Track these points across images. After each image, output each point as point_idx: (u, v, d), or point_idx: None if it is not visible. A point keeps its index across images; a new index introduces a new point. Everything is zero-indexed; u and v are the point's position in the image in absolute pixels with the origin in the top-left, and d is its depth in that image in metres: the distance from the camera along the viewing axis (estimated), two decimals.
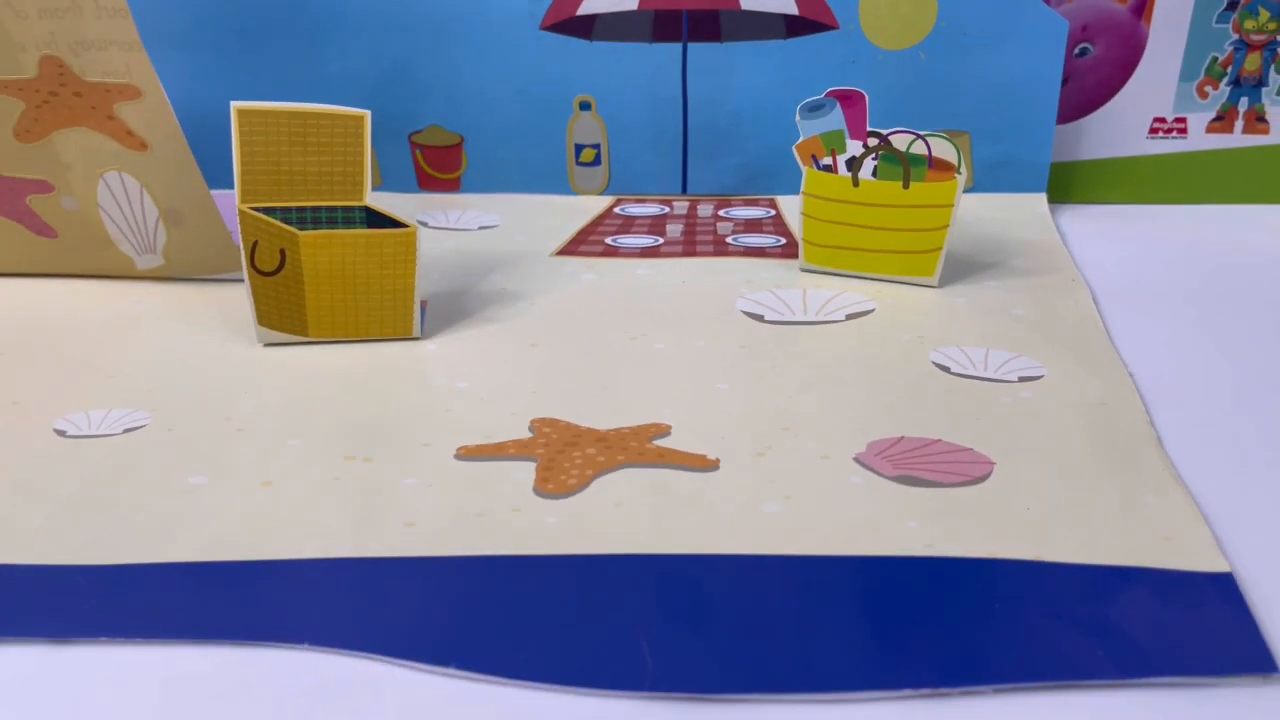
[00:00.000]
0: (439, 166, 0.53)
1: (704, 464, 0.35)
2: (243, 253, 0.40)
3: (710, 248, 0.47)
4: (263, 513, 0.33)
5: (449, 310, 0.43)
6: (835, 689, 0.27)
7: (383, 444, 0.36)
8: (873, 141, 0.42)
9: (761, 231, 0.49)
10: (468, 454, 0.36)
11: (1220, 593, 0.29)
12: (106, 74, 0.40)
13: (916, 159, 0.42)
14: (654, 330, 0.42)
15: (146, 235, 0.44)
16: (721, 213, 0.50)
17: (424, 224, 0.51)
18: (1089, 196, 0.52)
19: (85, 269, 0.46)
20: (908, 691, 0.26)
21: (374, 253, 0.40)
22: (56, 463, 0.36)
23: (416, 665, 0.28)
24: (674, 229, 0.49)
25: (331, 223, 0.41)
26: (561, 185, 0.52)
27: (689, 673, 0.27)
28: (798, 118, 0.43)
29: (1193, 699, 0.26)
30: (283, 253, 0.40)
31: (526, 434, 0.37)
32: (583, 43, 0.49)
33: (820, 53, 0.49)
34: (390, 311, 0.41)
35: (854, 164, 0.43)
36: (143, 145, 0.42)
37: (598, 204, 0.52)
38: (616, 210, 0.51)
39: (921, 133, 0.41)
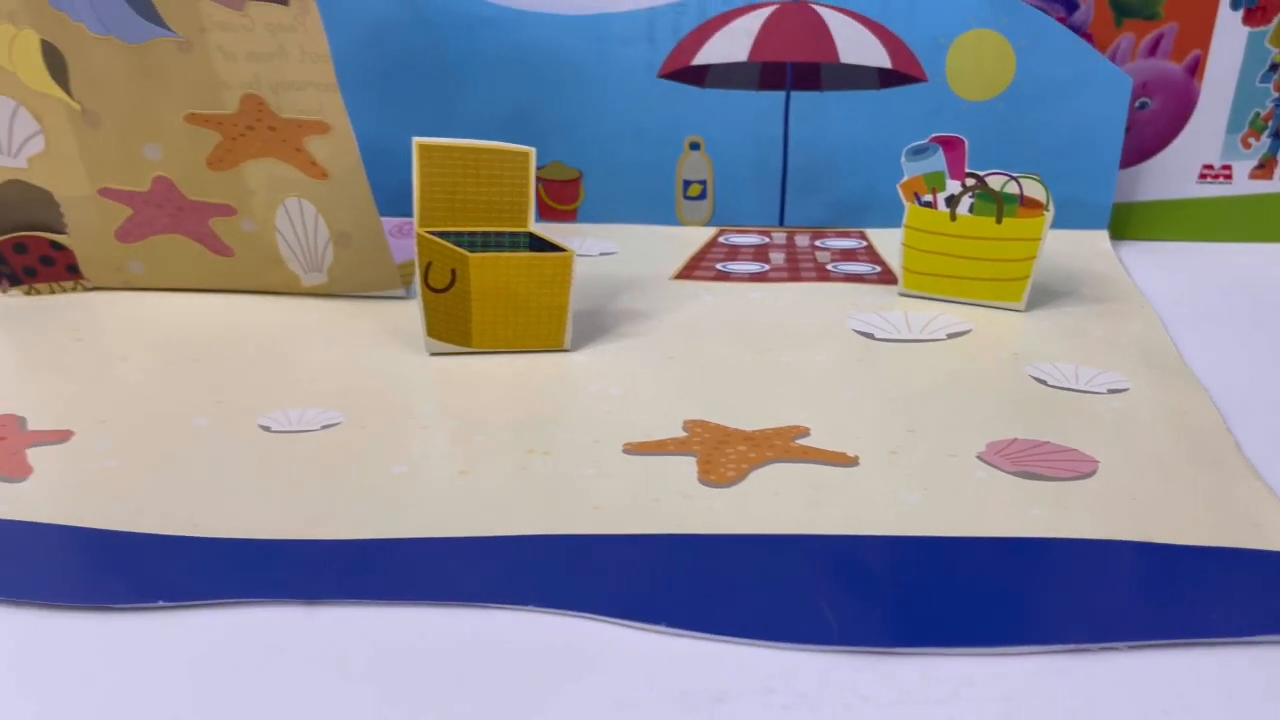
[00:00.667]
0: (558, 199, 0.58)
1: (845, 460, 0.40)
2: (417, 272, 0.45)
3: (813, 274, 0.52)
4: (465, 496, 0.38)
5: (589, 326, 0.48)
6: (994, 644, 0.31)
7: (557, 440, 0.41)
8: (970, 181, 0.48)
9: (857, 260, 0.54)
10: (634, 449, 0.41)
11: None
12: (301, 111, 0.45)
13: (1009, 197, 0.47)
14: (777, 345, 0.47)
15: (315, 255, 0.49)
16: (817, 243, 0.56)
17: None
18: (1144, 234, 0.57)
19: (253, 285, 0.50)
20: (1055, 646, 0.31)
21: (535, 273, 0.45)
22: (270, 453, 0.40)
23: (629, 624, 0.32)
24: (777, 257, 0.54)
25: (499, 246, 0.46)
26: (669, 217, 0.57)
27: (867, 629, 0.32)
28: (903, 159, 0.48)
29: None
30: (453, 272, 0.45)
31: (681, 433, 0.41)
32: (696, 89, 0.55)
33: (909, 102, 0.54)
34: (545, 326, 0.46)
35: (952, 201, 0.48)
36: (324, 174, 0.46)
37: (703, 234, 0.57)
38: (721, 240, 0.56)
39: (1015, 174, 0.47)
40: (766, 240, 0.56)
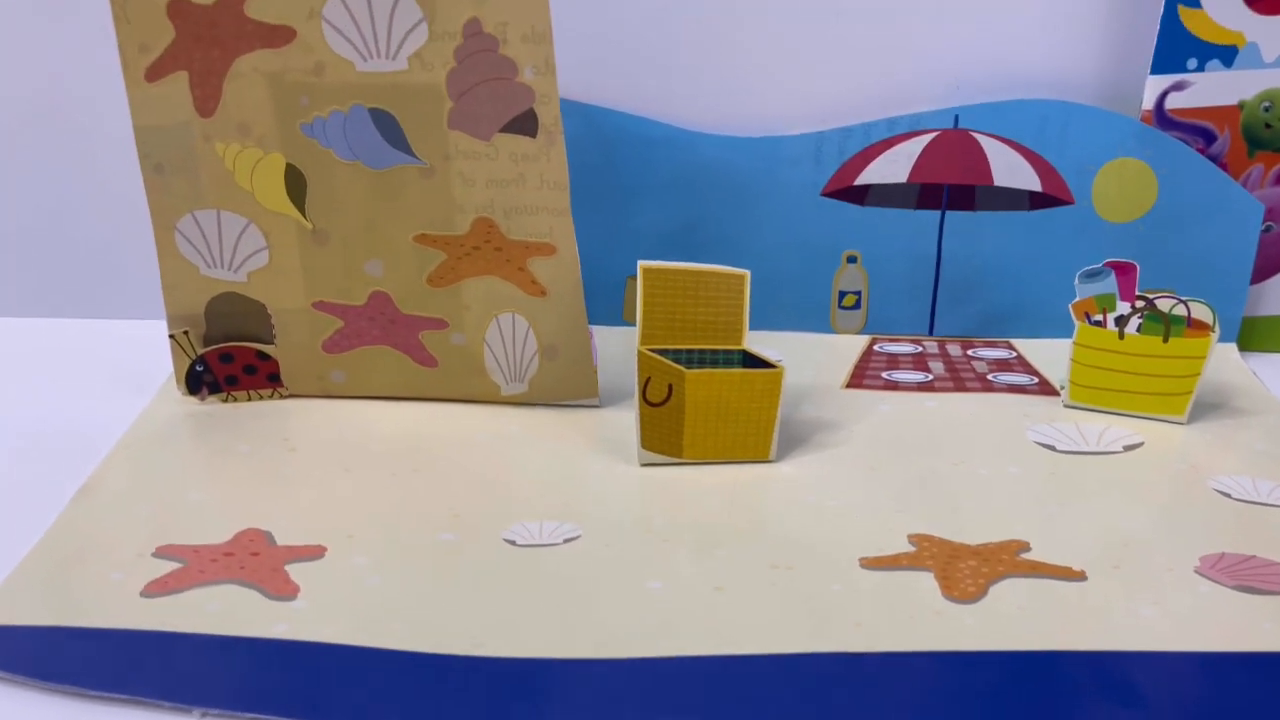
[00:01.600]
0: None
1: (1073, 575, 0.42)
2: (636, 387, 0.46)
3: (977, 384, 0.55)
4: (730, 613, 0.40)
5: (782, 436, 0.50)
6: None
7: (795, 554, 0.43)
8: (1140, 303, 0.51)
9: (1013, 370, 0.57)
10: (870, 565, 0.42)
11: None
12: (530, 234, 0.47)
13: (1176, 319, 0.51)
14: (969, 457, 0.49)
15: (520, 366, 0.50)
16: (969, 352, 0.59)
17: None
18: (1267, 346, 0.61)
19: (452, 394, 0.52)
20: None
21: (746, 388, 0.47)
22: (523, 568, 0.42)
23: None
24: (936, 366, 0.57)
25: (714, 363, 0.48)
26: (823, 325, 0.60)
27: None
28: (1076, 281, 0.52)
29: None
30: (670, 387, 0.47)
31: (909, 547, 0.43)
32: (855, 207, 0.58)
33: (1056, 223, 0.58)
34: (753, 438, 0.48)
35: (1121, 321, 0.51)
36: (543, 293, 0.48)
37: (856, 342, 0.60)
38: (876, 348, 0.59)
39: (1184, 297, 0.50)
40: (920, 349, 0.59)
